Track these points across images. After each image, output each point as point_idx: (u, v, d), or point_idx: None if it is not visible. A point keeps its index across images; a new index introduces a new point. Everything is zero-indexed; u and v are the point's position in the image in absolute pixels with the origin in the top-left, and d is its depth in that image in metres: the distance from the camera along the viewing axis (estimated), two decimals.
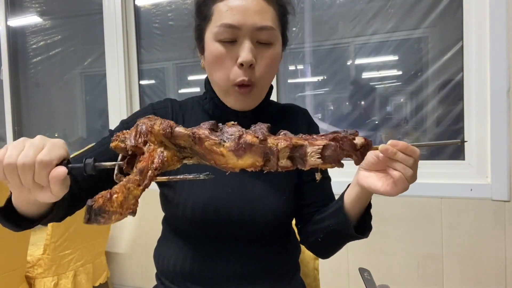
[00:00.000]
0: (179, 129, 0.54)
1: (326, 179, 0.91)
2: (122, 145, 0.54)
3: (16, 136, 2.83)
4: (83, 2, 2.61)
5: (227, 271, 0.80)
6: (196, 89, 2.49)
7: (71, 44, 2.69)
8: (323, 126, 2.11)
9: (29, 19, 2.77)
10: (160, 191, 0.86)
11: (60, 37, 2.71)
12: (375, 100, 2.02)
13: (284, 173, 0.82)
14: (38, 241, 1.95)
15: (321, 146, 0.53)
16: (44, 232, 1.86)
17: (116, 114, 2.38)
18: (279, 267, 0.85)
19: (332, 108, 2.15)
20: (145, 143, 0.54)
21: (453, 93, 1.82)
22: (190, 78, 2.48)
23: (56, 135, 2.83)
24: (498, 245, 1.65)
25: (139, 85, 2.43)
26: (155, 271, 0.92)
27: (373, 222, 0.79)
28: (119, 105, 2.38)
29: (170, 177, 0.56)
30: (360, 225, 0.77)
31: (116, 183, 0.52)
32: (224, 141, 0.53)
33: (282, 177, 0.82)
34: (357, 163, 0.56)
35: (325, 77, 2.12)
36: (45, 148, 0.52)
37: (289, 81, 2.18)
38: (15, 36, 2.81)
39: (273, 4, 0.76)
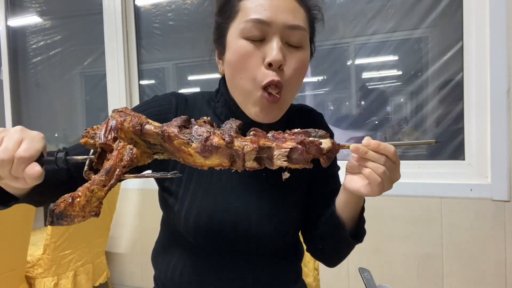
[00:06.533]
0: (149, 127, 0.54)
1: (335, 190, 0.82)
2: (92, 141, 0.54)
3: None
4: (83, 2, 2.61)
5: (229, 284, 0.77)
6: (196, 89, 2.49)
7: (71, 44, 2.69)
8: None
9: (29, 19, 2.77)
10: (159, 191, 0.83)
11: (60, 37, 2.71)
12: (375, 100, 2.02)
13: (295, 188, 0.80)
14: (38, 241, 1.95)
15: (287, 149, 0.54)
16: (44, 232, 1.86)
17: None
18: (284, 276, 0.83)
19: (332, 108, 2.15)
20: (115, 139, 0.54)
21: (453, 93, 1.82)
22: (190, 78, 2.48)
23: (56, 135, 2.84)
24: (498, 245, 1.65)
25: (139, 85, 2.43)
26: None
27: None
28: (119, 105, 2.37)
29: (138, 175, 0.55)
30: (356, 230, 0.75)
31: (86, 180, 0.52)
32: (192, 141, 0.53)
33: (293, 192, 0.80)
34: (324, 165, 0.57)
35: (325, 77, 2.12)
36: (24, 142, 0.52)
37: None
38: (15, 36, 2.81)
39: (304, 6, 0.72)
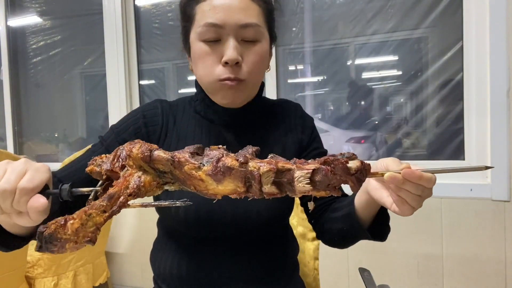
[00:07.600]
0: (158, 153, 0.50)
1: None
2: (98, 169, 0.51)
3: (16, 136, 2.83)
4: (83, 2, 2.61)
5: (224, 274, 0.79)
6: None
7: (71, 44, 2.69)
8: (323, 126, 2.11)
9: (29, 19, 2.77)
10: None
11: (60, 37, 2.71)
12: (375, 100, 2.02)
13: None
14: None
15: (310, 170, 0.47)
16: None
17: (116, 114, 2.38)
18: (277, 267, 0.84)
19: (332, 108, 2.15)
20: (122, 167, 0.50)
21: (453, 93, 1.82)
22: (190, 78, 2.48)
23: (56, 135, 2.84)
24: (498, 245, 1.65)
25: (139, 85, 2.43)
26: None
27: None
28: (119, 105, 2.38)
29: (144, 204, 0.52)
30: (376, 226, 0.76)
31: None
32: (203, 165, 0.49)
33: None
34: (354, 189, 0.51)
35: (325, 77, 2.12)
36: (28, 173, 0.50)
37: (289, 81, 2.18)
38: (15, 36, 2.81)
39: (257, 1, 0.75)
